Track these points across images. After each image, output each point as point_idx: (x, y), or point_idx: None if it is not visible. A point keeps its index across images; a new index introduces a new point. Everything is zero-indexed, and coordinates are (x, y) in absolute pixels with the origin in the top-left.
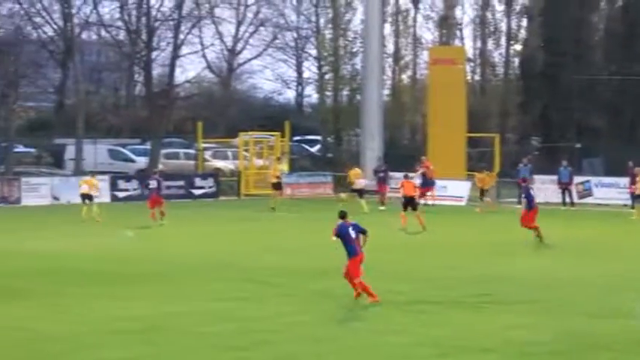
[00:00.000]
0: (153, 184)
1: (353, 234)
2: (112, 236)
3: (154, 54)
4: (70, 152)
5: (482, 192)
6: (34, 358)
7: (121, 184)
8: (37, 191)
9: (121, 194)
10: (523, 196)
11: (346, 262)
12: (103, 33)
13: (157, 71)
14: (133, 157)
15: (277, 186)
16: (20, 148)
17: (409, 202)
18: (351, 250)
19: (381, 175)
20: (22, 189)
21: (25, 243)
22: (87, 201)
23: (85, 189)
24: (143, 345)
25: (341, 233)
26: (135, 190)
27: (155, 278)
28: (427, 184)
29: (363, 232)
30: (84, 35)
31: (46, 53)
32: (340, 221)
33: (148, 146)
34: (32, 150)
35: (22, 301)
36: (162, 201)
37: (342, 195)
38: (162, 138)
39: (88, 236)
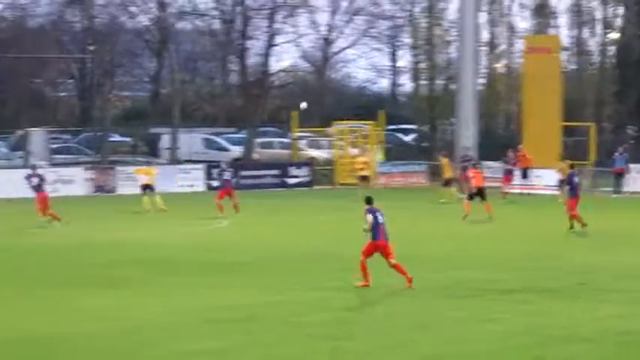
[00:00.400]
0: (227, 175)
1: (380, 219)
2: (206, 225)
3: (249, 43)
4: (165, 141)
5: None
6: (132, 347)
7: (216, 173)
8: (133, 180)
9: (215, 183)
10: (567, 183)
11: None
12: (198, 22)
13: (251, 60)
14: (228, 145)
15: (364, 178)
16: (116, 137)
17: (479, 192)
18: (375, 234)
19: (465, 164)
20: (118, 178)
21: (120, 233)
22: (147, 191)
23: (145, 180)
24: (239, 334)
25: (372, 213)
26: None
27: (250, 267)
28: (509, 172)
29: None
30: (179, 24)
31: (142, 43)
32: (367, 206)
33: (242, 135)
34: (128, 139)
35: (119, 290)
36: (234, 193)
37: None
38: (257, 127)
39: (181, 225)
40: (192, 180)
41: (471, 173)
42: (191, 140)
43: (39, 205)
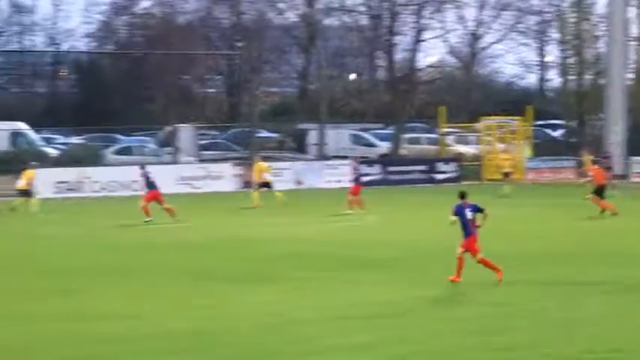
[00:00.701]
0: (357, 171)
1: (469, 215)
2: (354, 221)
3: (397, 39)
4: (312, 137)
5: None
6: (284, 342)
7: (364, 168)
8: (281, 176)
9: (363, 179)
10: None
11: (462, 241)
12: (346, 18)
13: (399, 56)
14: (375, 141)
15: (506, 174)
16: (263, 133)
17: (600, 190)
18: (467, 230)
19: (603, 160)
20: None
21: (271, 228)
22: (263, 189)
23: (267, 177)
24: (387, 329)
25: (458, 213)
26: (377, 174)
27: (398, 263)
28: None
29: (481, 210)
30: (327, 20)
31: (290, 39)
32: (459, 201)
33: (390, 131)
34: (275, 135)
35: (271, 285)
36: (359, 191)
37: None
38: (405, 123)
39: (329, 222)
40: (339, 176)
41: (592, 171)
42: (338, 136)
43: (147, 202)
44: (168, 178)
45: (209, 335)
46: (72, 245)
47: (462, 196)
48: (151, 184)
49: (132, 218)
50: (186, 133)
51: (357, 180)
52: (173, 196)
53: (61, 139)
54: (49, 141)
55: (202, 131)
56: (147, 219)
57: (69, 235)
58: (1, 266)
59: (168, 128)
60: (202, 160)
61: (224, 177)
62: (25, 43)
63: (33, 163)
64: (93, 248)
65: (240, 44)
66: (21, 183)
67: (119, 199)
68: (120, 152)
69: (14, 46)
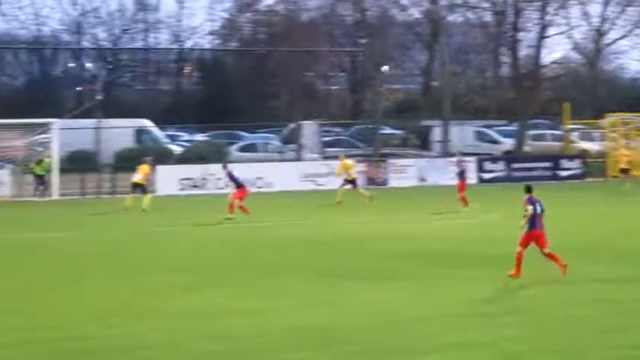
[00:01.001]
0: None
1: (538, 209)
2: (476, 217)
3: (521, 35)
4: (436, 134)
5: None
6: (401, 339)
7: (488, 165)
8: (404, 172)
9: (487, 175)
10: None
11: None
12: (470, 14)
13: (523, 52)
14: (499, 138)
15: (625, 171)
16: (387, 130)
17: None
18: (531, 224)
19: None
20: (389, 170)
21: (393, 225)
22: (348, 186)
23: (352, 174)
24: (504, 327)
25: (532, 204)
26: (501, 171)
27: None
28: None
29: (543, 210)
30: (450, 17)
31: (413, 35)
32: (527, 195)
33: (514, 127)
34: (399, 132)
35: (391, 283)
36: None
37: None
38: (529, 119)
39: (452, 218)
40: None
41: None
42: (462, 133)
43: (234, 200)
44: (291, 174)
45: (331, 332)
46: (196, 242)
47: (529, 189)
48: (238, 182)
49: (254, 215)
50: (309, 129)
51: (461, 175)
52: (297, 193)
53: (185, 136)
54: (173, 138)
55: (326, 128)
56: (229, 216)
57: (193, 231)
58: (131, 263)
59: (291, 125)
60: (326, 157)
61: None
62: (150, 40)
63: (148, 158)
64: (217, 245)
65: (363, 41)
66: (137, 177)
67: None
68: (244, 149)
69: (139, 44)
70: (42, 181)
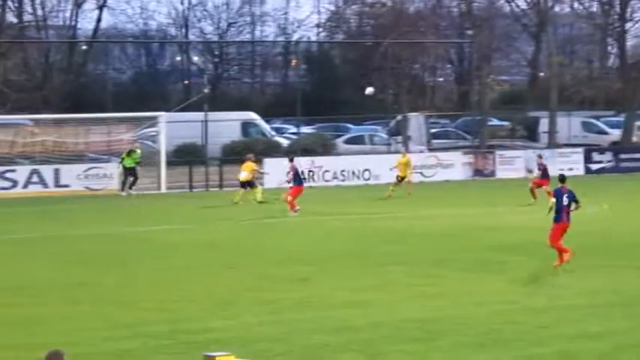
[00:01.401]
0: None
1: (565, 201)
2: (584, 209)
3: (628, 25)
4: (543, 125)
5: None
6: (513, 330)
7: (595, 156)
8: (511, 164)
9: (594, 167)
10: None
11: (551, 227)
12: (576, 5)
13: (630, 42)
14: (607, 129)
15: None
16: (494, 122)
17: None
18: (558, 216)
19: None
20: (497, 162)
21: (499, 217)
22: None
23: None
24: (621, 319)
25: (556, 196)
26: (609, 162)
27: (622, 251)
28: None
29: (576, 200)
30: (557, 8)
31: (519, 27)
32: (559, 185)
33: (621, 118)
34: (506, 123)
35: (498, 274)
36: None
37: None
38: (637, 110)
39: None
40: (571, 163)
41: None
42: (570, 124)
43: (293, 195)
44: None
45: (442, 324)
46: (306, 234)
47: (562, 179)
48: (299, 179)
49: (360, 207)
50: (416, 121)
51: (544, 173)
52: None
53: (291, 128)
54: (279, 131)
55: (432, 120)
56: (294, 213)
57: (302, 223)
58: (241, 255)
59: (398, 117)
60: (433, 149)
61: (454, 166)
62: (256, 33)
63: (250, 155)
64: (325, 237)
65: (469, 32)
66: (243, 175)
67: (350, 188)
68: (350, 141)
69: (245, 37)
70: (132, 173)
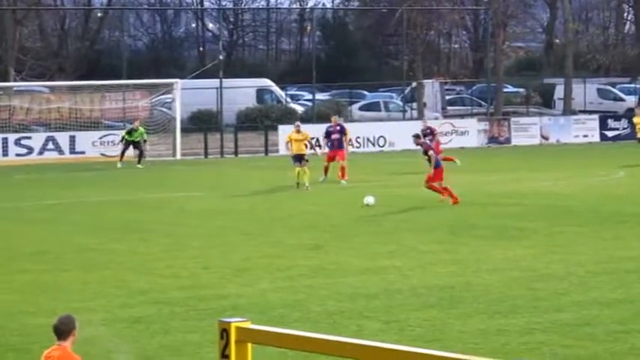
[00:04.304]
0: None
1: None
2: (602, 176)
3: None
4: (559, 92)
5: None
6: (532, 297)
7: (610, 123)
8: (527, 131)
9: (610, 133)
10: None
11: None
12: None
13: None
14: (623, 95)
15: None
16: (509, 88)
17: None
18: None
19: None
20: (512, 129)
21: (518, 183)
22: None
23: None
24: (637, 285)
25: None
26: (624, 129)
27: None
28: None
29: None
30: None
31: None
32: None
33: (637, 85)
34: (521, 90)
35: (519, 241)
36: None
37: None
38: None
39: (578, 176)
40: (586, 130)
41: None
42: (585, 90)
43: (331, 161)
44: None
45: (459, 290)
46: (319, 201)
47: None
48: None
49: (376, 174)
50: (431, 88)
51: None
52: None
53: (306, 95)
54: (294, 97)
55: (447, 87)
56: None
57: (316, 190)
58: (257, 222)
59: (413, 84)
60: (447, 116)
61: (469, 132)
62: (271, 0)
63: (297, 123)
64: (341, 204)
65: None
66: (296, 146)
67: (365, 154)
68: (365, 108)
69: (260, 4)
70: (137, 146)
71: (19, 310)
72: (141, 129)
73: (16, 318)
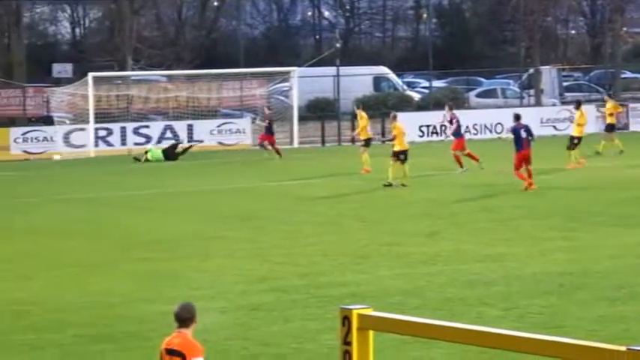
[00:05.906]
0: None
1: (524, 134)
2: None
3: None
4: None
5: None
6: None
7: None
8: None
9: None
10: None
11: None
12: None
13: None
14: None
15: None
16: (627, 74)
17: None
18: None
19: None
20: (630, 115)
21: (637, 170)
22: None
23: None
24: None
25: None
26: None
27: None
28: None
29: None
30: None
31: None
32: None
33: None
34: (639, 76)
35: (637, 228)
36: None
37: None
38: None
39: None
40: None
41: None
42: None
43: (458, 149)
44: (530, 120)
45: (576, 277)
46: (435, 189)
47: (517, 118)
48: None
49: (495, 162)
50: (548, 75)
51: None
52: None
53: (423, 82)
54: (411, 85)
55: (565, 73)
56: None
57: (431, 179)
58: (374, 210)
59: (530, 70)
60: (565, 102)
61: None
62: None
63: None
64: (456, 191)
65: None
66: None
67: (483, 141)
68: (482, 95)
69: None
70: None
71: (138, 298)
72: (154, 150)
73: (135, 306)
